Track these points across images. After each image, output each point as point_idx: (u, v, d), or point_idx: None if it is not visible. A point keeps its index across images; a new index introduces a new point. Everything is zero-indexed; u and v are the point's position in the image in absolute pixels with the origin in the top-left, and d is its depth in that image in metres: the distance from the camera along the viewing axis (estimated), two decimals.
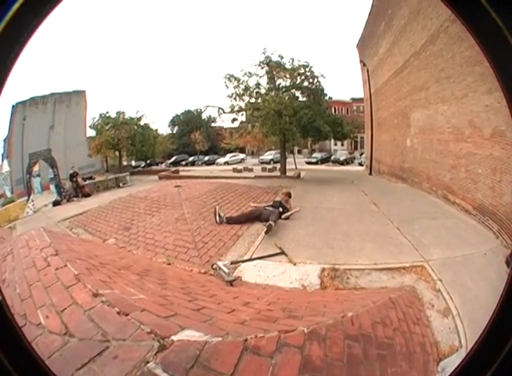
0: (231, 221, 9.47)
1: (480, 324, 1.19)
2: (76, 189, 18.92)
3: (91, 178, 21.92)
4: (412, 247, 7.32)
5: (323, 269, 6.33)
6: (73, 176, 19.18)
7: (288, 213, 9.95)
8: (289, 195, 10.90)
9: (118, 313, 2.43)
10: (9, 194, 21.94)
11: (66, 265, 3.58)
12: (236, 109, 21.62)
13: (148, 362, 1.91)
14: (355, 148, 34.94)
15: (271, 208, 9.82)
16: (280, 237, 8.21)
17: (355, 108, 34.51)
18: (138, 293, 3.17)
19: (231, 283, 5.74)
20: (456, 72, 11.09)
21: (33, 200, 17.62)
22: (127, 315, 2.39)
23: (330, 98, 23.71)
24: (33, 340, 2.30)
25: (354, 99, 34.66)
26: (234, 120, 22.25)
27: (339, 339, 2.82)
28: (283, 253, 7.24)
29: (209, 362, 1.97)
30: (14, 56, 0.83)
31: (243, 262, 6.94)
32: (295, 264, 6.69)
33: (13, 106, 25.95)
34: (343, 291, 5.75)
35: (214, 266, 6.50)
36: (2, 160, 23.65)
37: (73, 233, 10.39)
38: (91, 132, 27.38)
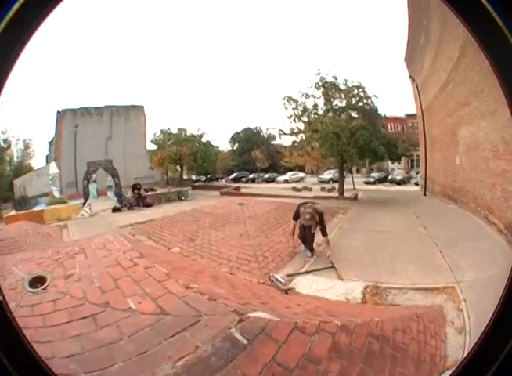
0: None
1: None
2: (138, 199, 20.03)
3: (152, 189, 22.99)
4: (449, 270, 7.97)
5: (367, 286, 7.31)
6: (135, 187, 20.36)
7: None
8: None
9: (208, 299, 3.67)
10: (57, 195, 23.45)
11: (154, 266, 4.79)
12: (295, 131, 22.42)
13: (230, 328, 3.12)
14: (412, 167, 34.46)
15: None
16: (333, 256, 9.04)
17: (410, 125, 33.80)
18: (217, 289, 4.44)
19: (286, 291, 6.85)
20: (486, 85, 10.99)
21: (90, 205, 19.10)
22: (215, 300, 3.63)
23: (385, 116, 24.13)
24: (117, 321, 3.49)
25: (409, 115, 34.05)
26: (294, 142, 23.02)
27: (363, 335, 3.92)
28: (333, 267, 8.35)
29: (270, 332, 3.20)
30: (14, 56, 0.84)
31: (298, 274, 8.09)
32: (342, 280, 7.77)
33: (59, 112, 28.19)
34: (380, 306, 6.76)
35: (272, 278, 7.63)
36: (47, 162, 25.67)
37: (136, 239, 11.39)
38: (150, 145, 29.12)
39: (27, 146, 29.78)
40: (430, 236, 10.73)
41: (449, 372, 4.52)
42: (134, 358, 2.94)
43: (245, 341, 3.02)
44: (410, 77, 23.76)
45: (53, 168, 24.30)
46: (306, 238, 9.69)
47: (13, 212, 21.48)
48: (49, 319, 3.63)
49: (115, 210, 19.05)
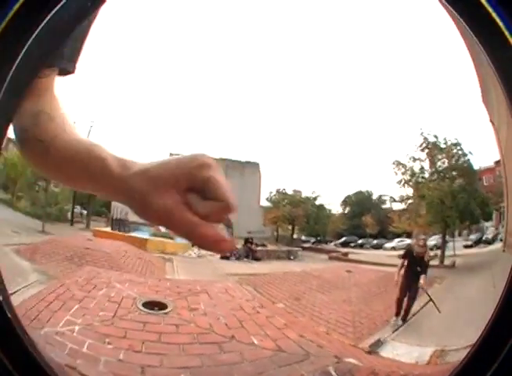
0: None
1: None
2: (248, 251, 20.82)
3: (263, 245, 23.56)
4: None
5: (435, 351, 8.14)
6: (248, 240, 21.46)
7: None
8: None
9: (317, 346, 4.68)
10: (163, 230, 24.53)
11: (274, 316, 5.86)
12: (404, 197, 23.18)
13: (328, 366, 4.09)
14: (500, 221, 31.71)
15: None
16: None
17: (497, 173, 30.67)
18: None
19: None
20: None
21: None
22: (321, 347, 4.66)
23: (480, 169, 23.77)
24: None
25: (496, 162, 30.85)
26: (403, 211, 23.14)
27: None
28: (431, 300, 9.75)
29: (354, 373, 4.13)
30: (14, 56, 0.67)
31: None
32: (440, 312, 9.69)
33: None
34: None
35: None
36: None
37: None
38: (264, 202, 30.38)
39: None
40: (496, 296, 10.77)
41: (449, 372, 5.21)
42: (252, 374, 3.95)
43: None
44: (490, 121, 20.84)
45: None
46: (408, 289, 10.52)
47: (108, 229, 23.05)
48: (168, 337, 4.74)
49: (223, 258, 19.27)
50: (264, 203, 30.06)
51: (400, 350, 8.45)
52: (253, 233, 23.79)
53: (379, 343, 8.84)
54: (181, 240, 21.60)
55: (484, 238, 29.38)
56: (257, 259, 20.56)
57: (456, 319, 10.04)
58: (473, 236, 31.91)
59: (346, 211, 42.04)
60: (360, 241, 36.45)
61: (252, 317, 5.76)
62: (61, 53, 0.85)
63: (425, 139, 21.66)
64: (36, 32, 0.58)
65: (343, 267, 16.83)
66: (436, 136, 21.80)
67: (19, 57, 0.59)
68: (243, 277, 14.25)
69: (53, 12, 0.59)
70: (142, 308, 5.53)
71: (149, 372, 4.18)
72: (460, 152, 21.51)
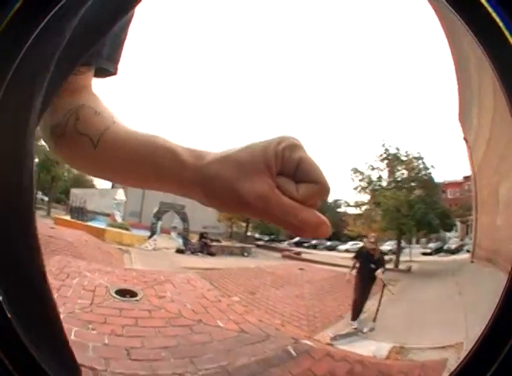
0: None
1: None
2: (203, 246, 21.11)
3: (218, 240, 24.01)
4: (466, 330, 9.08)
5: (393, 347, 8.90)
6: (203, 235, 21.84)
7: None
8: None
9: (276, 329, 5.55)
10: (119, 220, 24.43)
11: (235, 304, 6.70)
12: (359, 203, 24.43)
13: (287, 345, 4.89)
14: (467, 233, 33.17)
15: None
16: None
17: (466, 188, 32.01)
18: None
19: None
20: None
21: (155, 240, 20.39)
22: (279, 330, 5.51)
23: (444, 182, 25.63)
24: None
25: (466, 178, 32.02)
26: (358, 215, 24.12)
27: (374, 369, 5.66)
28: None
29: (310, 352, 4.96)
30: (14, 57, 0.57)
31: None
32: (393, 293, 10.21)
33: None
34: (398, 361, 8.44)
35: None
36: (112, 186, 25.99)
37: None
38: None
39: None
40: (463, 302, 11.82)
41: (448, 372, 6.03)
42: (222, 353, 4.72)
43: (295, 354, 4.77)
44: (464, 138, 23.06)
45: (120, 195, 25.69)
46: (362, 289, 11.23)
47: (68, 217, 23.26)
48: (143, 321, 5.47)
49: (179, 251, 20.20)
50: None
51: (357, 344, 9.23)
52: (208, 227, 24.43)
53: (336, 337, 9.53)
54: (138, 232, 22.20)
55: (446, 247, 30.84)
56: (211, 254, 20.88)
57: (411, 319, 10.93)
58: (432, 245, 32.82)
59: None
60: (314, 242, 36.83)
61: (215, 304, 6.57)
62: (99, 52, 0.83)
63: (386, 150, 22.90)
64: (36, 32, 0.53)
65: (296, 265, 17.41)
66: (398, 148, 22.99)
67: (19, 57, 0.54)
68: (199, 271, 14.29)
69: (53, 12, 0.55)
70: (115, 295, 6.10)
71: (134, 353, 4.69)
72: (422, 165, 22.65)
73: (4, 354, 0.50)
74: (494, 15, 0.54)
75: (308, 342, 5.62)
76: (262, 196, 0.60)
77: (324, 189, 0.62)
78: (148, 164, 0.72)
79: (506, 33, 0.54)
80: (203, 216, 23.86)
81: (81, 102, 0.81)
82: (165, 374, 4.54)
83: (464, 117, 22.02)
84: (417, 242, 31.75)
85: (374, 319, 10.65)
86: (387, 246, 32.02)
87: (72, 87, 0.80)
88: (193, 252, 20.49)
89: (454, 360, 7.63)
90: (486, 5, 0.53)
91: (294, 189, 0.61)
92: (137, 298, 6.25)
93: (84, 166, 0.87)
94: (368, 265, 11.33)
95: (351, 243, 35.49)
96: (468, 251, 26.33)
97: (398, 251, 23.45)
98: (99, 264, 9.39)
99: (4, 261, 0.52)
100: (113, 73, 0.91)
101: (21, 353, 0.52)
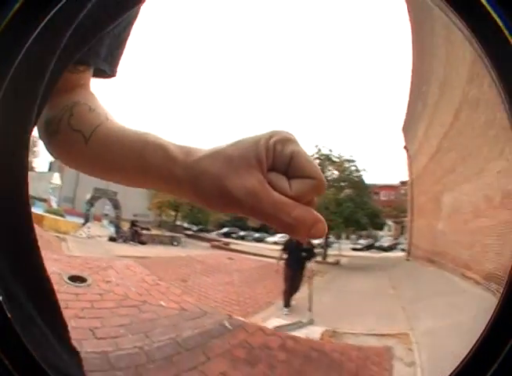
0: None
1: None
2: (134, 234, 21.08)
3: (147, 229, 23.85)
4: (406, 320, 9.84)
5: (326, 330, 9.37)
6: (134, 224, 21.76)
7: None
8: None
9: (212, 307, 6.38)
10: (54, 205, 24.04)
11: (171, 286, 7.38)
12: None
13: (223, 320, 5.71)
14: (401, 233, 34.36)
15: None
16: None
17: (402, 192, 33.26)
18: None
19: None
20: (475, 146, 11.63)
21: (89, 227, 20.27)
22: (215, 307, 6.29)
23: (375, 185, 26.42)
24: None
25: (403, 183, 33.36)
26: None
27: (306, 345, 6.47)
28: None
29: (245, 327, 5.85)
30: (14, 57, 0.55)
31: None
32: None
33: None
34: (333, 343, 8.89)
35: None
36: (49, 169, 26.18)
37: None
38: None
39: (33, 144, 30.11)
40: (398, 296, 12.57)
41: (398, 361, 6.90)
42: (169, 327, 5.50)
43: (230, 327, 5.82)
44: (405, 147, 24.97)
45: (56, 179, 25.45)
46: (293, 279, 11.69)
47: None
48: (98, 304, 6.17)
49: (111, 239, 20.24)
50: None
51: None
52: (138, 216, 24.53)
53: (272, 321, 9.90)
54: (71, 219, 21.79)
55: (377, 245, 32.20)
56: (142, 243, 20.90)
57: (342, 307, 11.52)
58: (363, 241, 33.43)
59: None
60: (242, 233, 36.74)
61: (155, 287, 7.30)
62: (97, 52, 0.82)
63: (319, 150, 23.39)
64: (36, 32, 0.52)
65: (225, 255, 18.14)
66: (331, 150, 23.66)
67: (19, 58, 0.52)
68: (132, 259, 13.63)
69: (53, 12, 0.53)
70: (69, 282, 6.60)
71: (98, 332, 5.23)
72: (354, 168, 23.58)
73: (4, 354, 0.50)
74: (493, 15, 0.54)
75: (241, 318, 6.47)
76: (253, 192, 0.57)
77: (319, 185, 0.59)
78: (138, 161, 0.69)
79: (506, 33, 0.54)
80: (134, 204, 24.57)
81: (76, 99, 0.81)
82: (128, 348, 5.09)
83: (408, 127, 23.50)
84: (347, 238, 32.80)
85: (310, 309, 10.93)
86: (317, 240, 32.63)
87: (69, 85, 0.82)
88: (125, 240, 20.53)
89: (401, 349, 8.11)
90: (486, 4, 0.54)
91: (287, 185, 0.58)
92: (87, 283, 6.80)
93: (78, 163, 0.85)
94: (298, 254, 11.90)
95: (279, 235, 34.79)
96: (403, 250, 27.50)
97: (325, 245, 24.03)
98: (46, 251, 9.70)
99: (4, 261, 0.54)
100: (111, 75, 0.93)
101: (21, 353, 0.52)
